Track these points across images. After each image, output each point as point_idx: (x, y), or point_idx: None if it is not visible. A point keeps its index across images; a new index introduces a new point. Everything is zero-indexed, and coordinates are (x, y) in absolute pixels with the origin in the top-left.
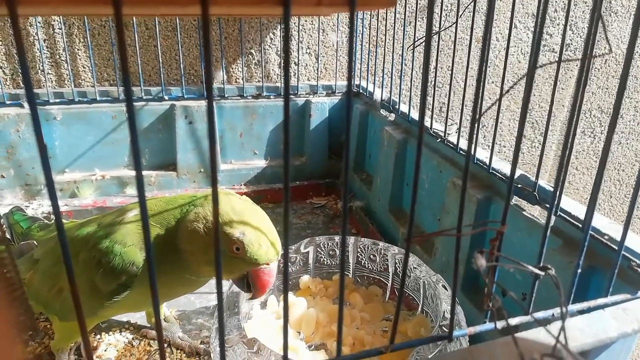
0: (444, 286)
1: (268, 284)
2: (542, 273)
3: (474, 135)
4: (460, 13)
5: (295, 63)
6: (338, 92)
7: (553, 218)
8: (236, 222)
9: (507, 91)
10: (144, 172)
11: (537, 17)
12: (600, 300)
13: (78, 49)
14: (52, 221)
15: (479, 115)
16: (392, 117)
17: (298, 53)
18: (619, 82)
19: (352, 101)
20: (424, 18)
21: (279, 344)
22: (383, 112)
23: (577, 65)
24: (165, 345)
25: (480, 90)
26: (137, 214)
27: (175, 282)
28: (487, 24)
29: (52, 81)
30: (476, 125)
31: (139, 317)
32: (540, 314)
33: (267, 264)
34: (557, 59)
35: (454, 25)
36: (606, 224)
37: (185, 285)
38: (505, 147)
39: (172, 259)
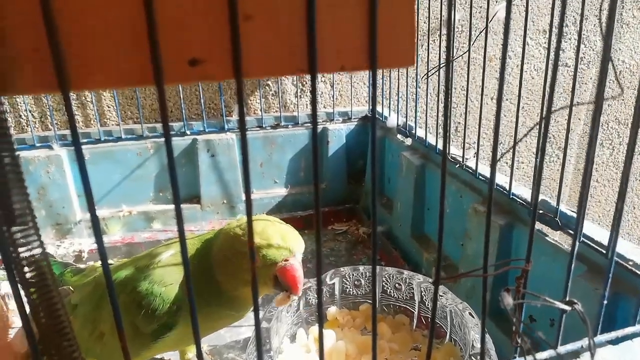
0: (470, 314)
1: (297, 278)
2: (569, 308)
3: (493, 184)
4: (472, 40)
5: (310, 92)
6: (354, 118)
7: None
8: (241, 236)
9: (524, 137)
10: (168, 207)
11: (548, 58)
12: (629, 330)
13: (102, 90)
14: (85, 266)
15: (499, 156)
16: (408, 141)
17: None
18: (636, 93)
19: (376, 139)
20: (435, 40)
21: None
22: (399, 136)
23: (591, 79)
24: None
25: (497, 133)
26: (173, 253)
27: (217, 314)
28: (503, 58)
29: (78, 122)
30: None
31: (172, 353)
32: (569, 347)
33: (287, 260)
34: (570, 74)
35: (467, 52)
36: (630, 248)
37: (228, 317)
38: (523, 163)
39: (213, 293)
